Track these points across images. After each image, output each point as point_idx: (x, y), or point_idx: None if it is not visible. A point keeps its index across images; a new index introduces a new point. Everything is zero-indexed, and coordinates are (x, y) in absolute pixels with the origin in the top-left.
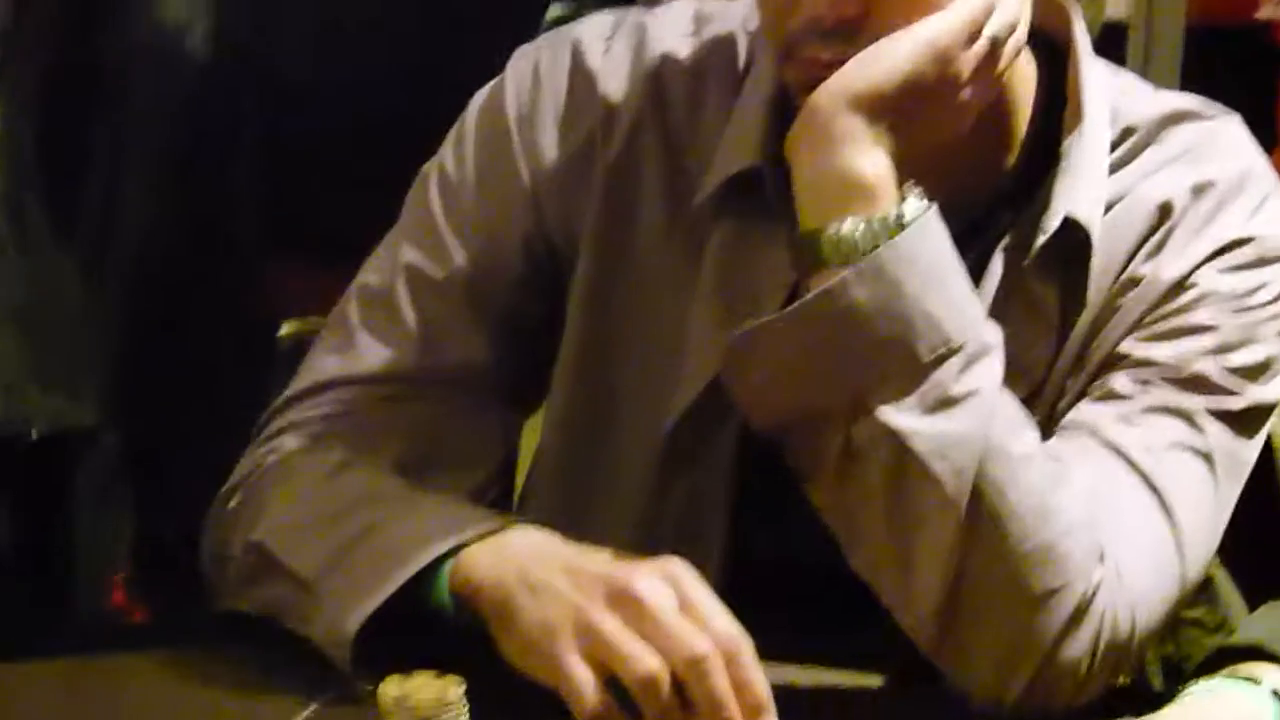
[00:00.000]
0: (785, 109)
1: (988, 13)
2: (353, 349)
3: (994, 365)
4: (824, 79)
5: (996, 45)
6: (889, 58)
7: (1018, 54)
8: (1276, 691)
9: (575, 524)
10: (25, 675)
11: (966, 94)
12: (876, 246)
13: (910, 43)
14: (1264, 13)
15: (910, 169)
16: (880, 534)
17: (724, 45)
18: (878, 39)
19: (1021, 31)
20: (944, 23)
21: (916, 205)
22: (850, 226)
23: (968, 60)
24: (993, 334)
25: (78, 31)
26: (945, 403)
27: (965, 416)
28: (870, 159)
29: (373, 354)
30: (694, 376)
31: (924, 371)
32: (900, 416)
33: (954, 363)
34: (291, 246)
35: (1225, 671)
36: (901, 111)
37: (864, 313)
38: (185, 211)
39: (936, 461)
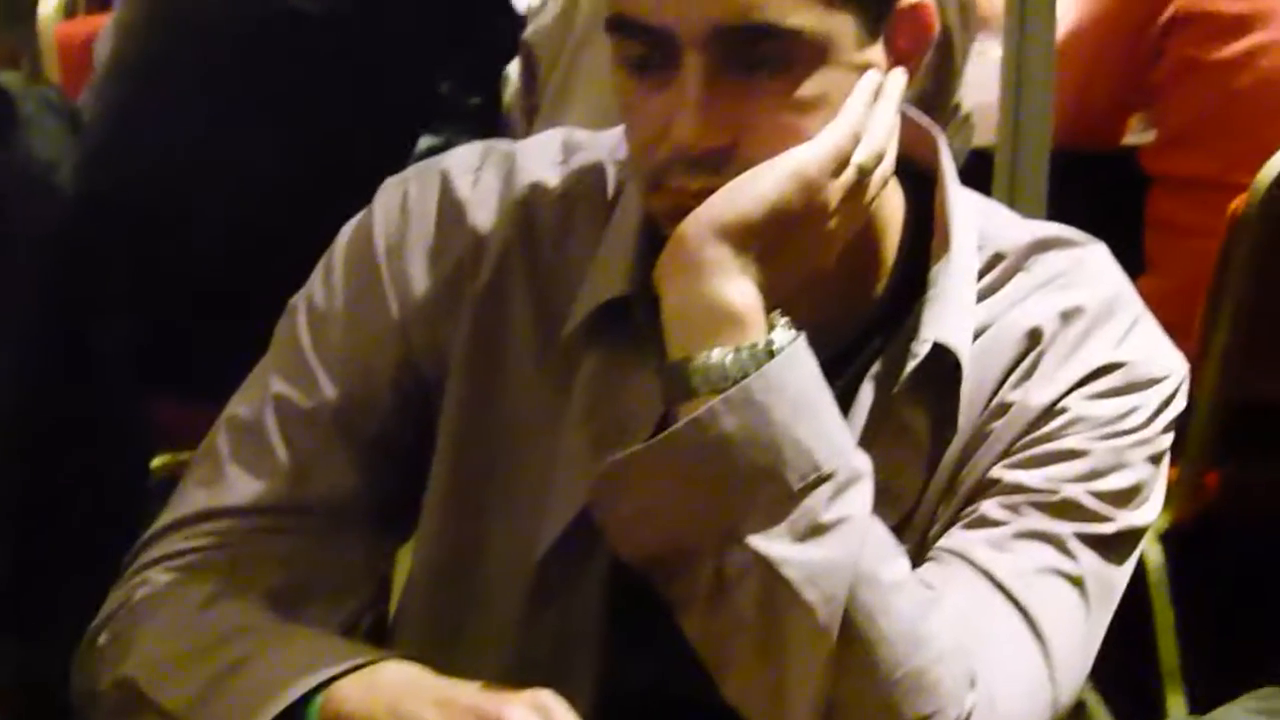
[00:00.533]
0: (654, 238)
1: (854, 142)
2: (222, 481)
3: (864, 492)
4: (691, 208)
5: (864, 174)
6: (756, 187)
7: (885, 183)
8: None
9: (446, 654)
10: None
11: (834, 223)
12: (745, 375)
13: (777, 172)
14: (1131, 138)
15: (779, 297)
16: (752, 663)
17: (593, 173)
18: (746, 169)
19: (889, 161)
20: (811, 152)
21: (785, 334)
22: (719, 356)
23: (835, 190)
24: (862, 461)
25: None
26: (816, 530)
27: (836, 544)
28: (738, 288)
29: (243, 486)
30: (563, 508)
31: (794, 499)
32: (771, 545)
33: (824, 490)
34: (161, 381)
35: None
36: (769, 241)
37: (733, 441)
38: (51, 351)
39: (808, 589)
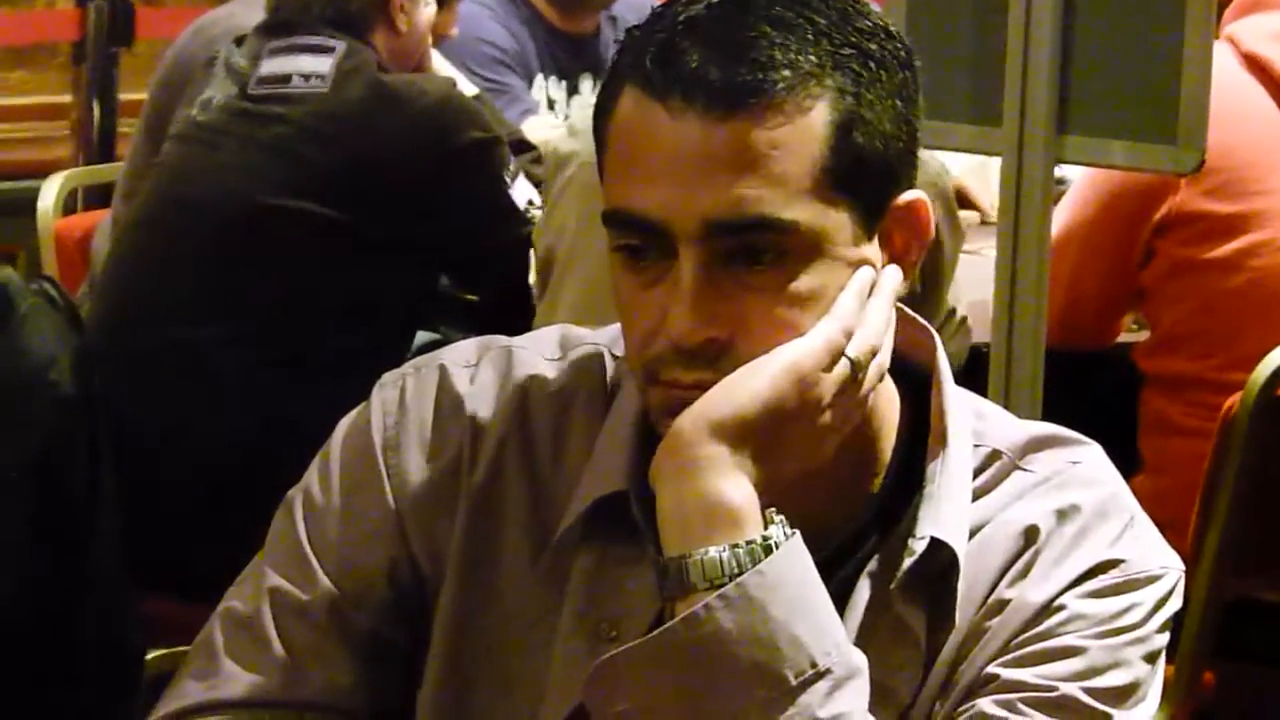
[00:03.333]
0: (650, 433)
1: (848, 336)
2: (218, 675)
3: (861, 689)
4: (687, 402)
5: (858, 368)
6: (750, 383)
7: (881, 378)
8: None
9: None
10: None
11: (829, 418)
12: (742, 572)
13: (771, 368)
14: (1122, 338)
15: (776, 492)
16: None
17: (591, 368)
18: (742, 363)
19: (884, 356)
20: (803, 346)
21: (781, 531)
22: (715, 553)
23: (829, 384)
24: (859, 658)
25: None
26: None
27: None
28: (734, 485)
29: (238, 680)
30: (557, 705)
31: (791, 695)
32: None
33: (821, 687)
34: (156, 577)
35: None
36: (765, 437)
37: (730, 638)
38: (48, 547)
39: None
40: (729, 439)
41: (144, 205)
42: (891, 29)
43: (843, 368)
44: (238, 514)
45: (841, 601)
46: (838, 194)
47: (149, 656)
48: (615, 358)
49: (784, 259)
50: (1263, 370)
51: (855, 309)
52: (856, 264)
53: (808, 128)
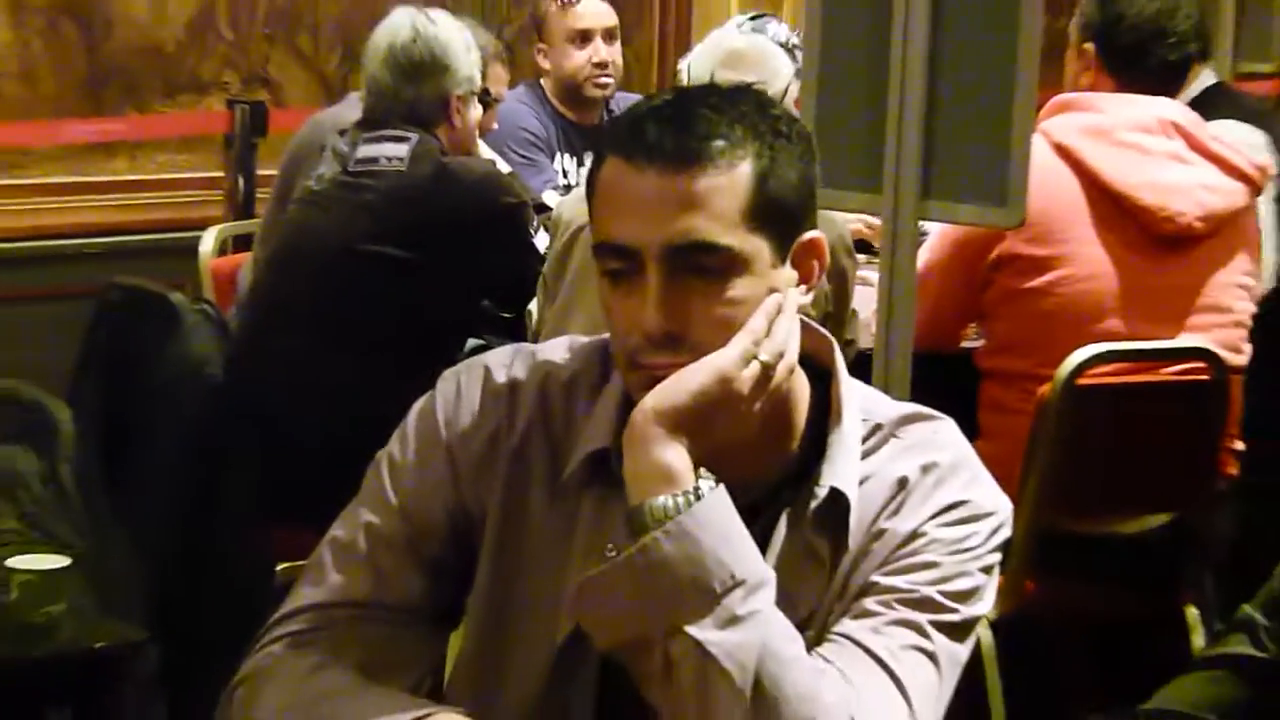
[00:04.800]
0: (630, 405)
1: (758, 343)
2: (325, 583)
3: (769, 593)
4: (656, 379)
5: (767, 369)
6: (685, 383)
7: (790, 374)
8: None
9: (484, 711)
10: None
11: (746, 406)
12: (679, 513)
13: (701, 371)
14: (966, 343)
15: (714, 459)
16: (692, 716)
17: (591, 360)
18: (695, 349)
19: (790, 358)
20: (726, 355)
21: (708, 484)
22: (660, 501)
23: (744, 381)
24: (768, 572)
25: (127, 360)
26: (733, 621)
27: (748, 630)
28: (674, 454)
29: (339, 587)
30: (570, 609)
31: (718, 599)
32: (701, 633)
33: (738, 593)
34: (285, 514)
35: None
36: (696, 420)
37: (672, 561)
38: (206, 490)
39: (728, 662)
40: (668, 423)
41: (274, 250)
42: (794, 116)
43: (754, 369)
44: (340, 469)
45: (767, 534)
46: (758, 227)
47: (278, 569)
48: (606, 354)
49: (721, 273)
50: (1065, 367)
51: (764, 325)
52: (775, 281)
53: (736, 179)
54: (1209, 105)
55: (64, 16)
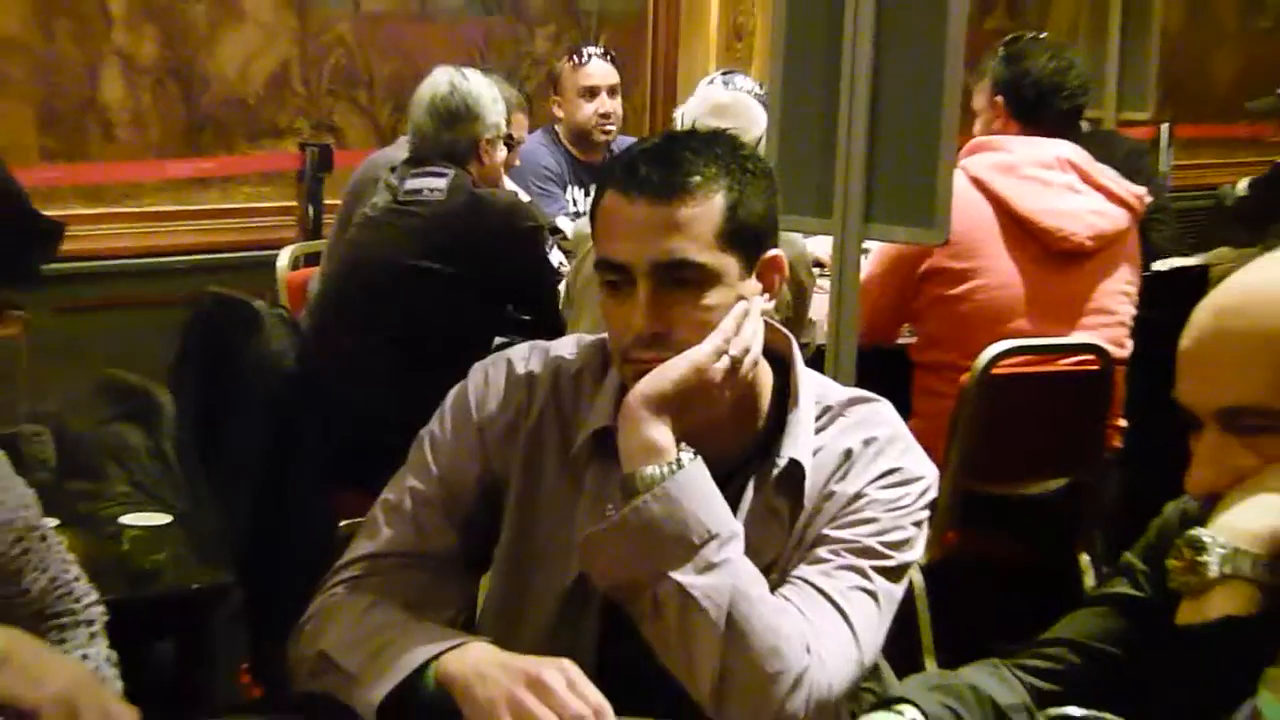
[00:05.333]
0: (625, 391)
1: (728, 341)
2: (377, 537)
3: (739, 544)
4: (644, 371)
5: (736, 362)
6: (668, 374)
7: (755, 365)
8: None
9: (507, 640)
10: None
11: (717, 392)
12: (664, 480)
13: (681, 363)
14: (900, 340)
15: (693, 435)
16: (677, 646)
17: (594, 354)
18: (677, 345)
19: (755, 352)
20: (702, 350)
21: (688, 456)
22: (649, 470)
23: (716, 372)
24: (738, 527)
25: (218, 355)
26: (709, 567)
27: (722, 574)
28: (659, 431)
29: (389, 540)
30: (576, 560)
31: (696, 549)
32: (683, 577)
33: (713, 544)
34: (346, 479)
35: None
36: (677, 403)
37: (658, 519)
38: (281, 460)
39: (705, 601)
40: (654, 406)
41: (337, 265)
42: (760, 156)
43: (725, 361)
44: (390, 443)
45: (737, 496)
46: (729, 247)
47: (339, 525)
48: (606, 350)
49: (698, 285)
50: (982, 359)
51: (734, 326)
52: (743, 291)
53: (711, 208)
54: (1096, 144)
55: (168, 75)
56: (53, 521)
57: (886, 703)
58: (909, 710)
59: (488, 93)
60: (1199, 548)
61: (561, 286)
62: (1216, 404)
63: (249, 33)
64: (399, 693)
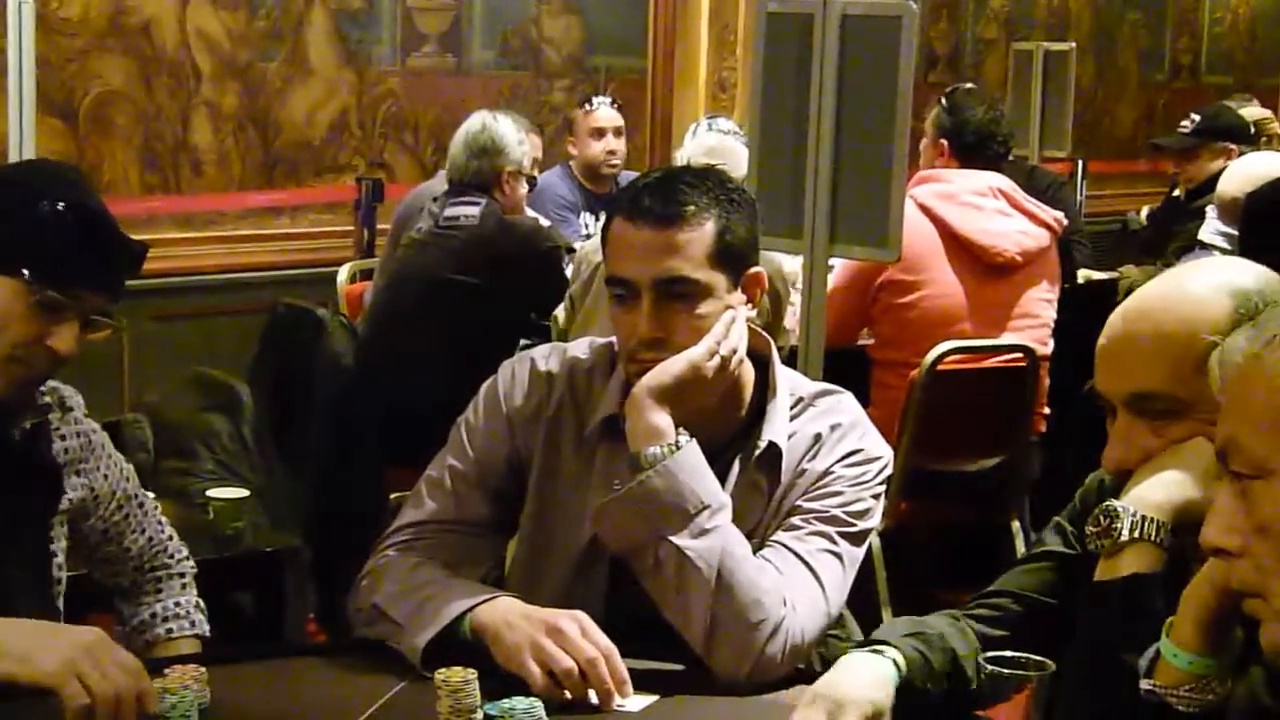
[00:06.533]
0: (629, 386)
1: (719, 343)
2: (422, 508)
3: (727, 513)
4: (646, 369)
5: (725, 360)
6: (667, 370)
7: (740, 364)
8: (895, 660)
9: (530, 594)
10: (261, 667)
11: (709, 385)
12: (664, 459)
13: (678, 362)
14: (860, 341)
15: (689, 421)
16: (674, 599)
17: (604, 354)
18: (674, 348)
19: (741, 352)
20: (696, 350)
21: (685, 438)
22: (652, 449)
23: (709, 368)
24: (726, 499)
25: (289, 354)
26: (703, 533)
27: (713, 538)
28: (660, 417)
29: (431, 511)
30: (589, 526)
31: (691, 517)
32: (680, 540)
33: (706, 513)
34: (397, 458)
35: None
36: (675, 394)
37: (659, 491)
38: (342, 443)
39: (699, 561)
40: (657, 396)
41: (388, 279)
42: (743, 188)
43: (716, 360)
44: (433, 428)
45: (725, 473)
46: (718, 265)
47: (391, 497)
48: (613, 351)
49: (693, 298)
50: (929, 357)
51: (723, 331)
52: (729, 302)
53: (703, 233)
54: (1024, 177)
55: (247, 122)
56: (150, 494)
57: (867, 644)
58: (889, 651)
59: (513, 134)
60: (1112, 515)
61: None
62: (1127, 390)
63: (314, 86)
64: (440, 638)
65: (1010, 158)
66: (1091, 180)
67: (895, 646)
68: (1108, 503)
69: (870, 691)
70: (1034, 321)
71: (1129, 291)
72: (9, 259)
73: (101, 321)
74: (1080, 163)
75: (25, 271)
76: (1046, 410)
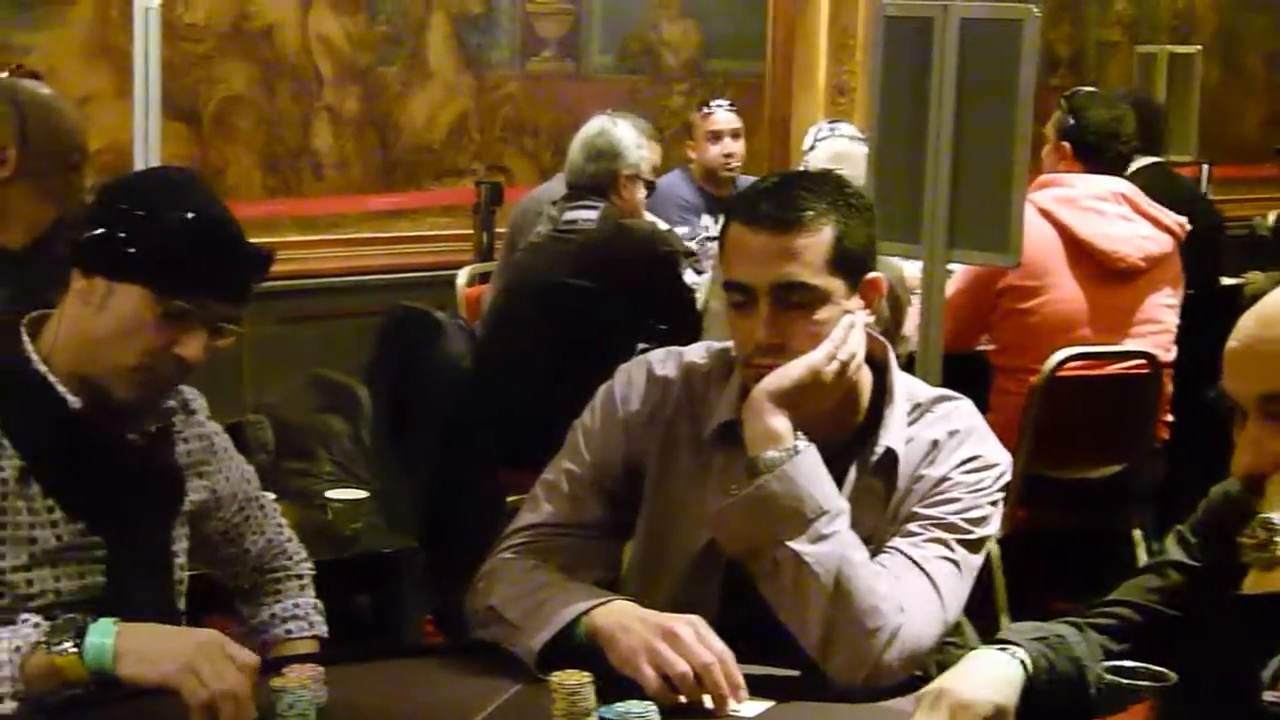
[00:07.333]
0: (746, 391)
1: (838, 348)
2: (538, 510)
3: (845, 518)
4: (763, 375)
5: (844, 365)
6: (789, 374)
7: (858, 369)
8: (1022, 660)
9: (646, 598)
10: (378, 668)
11: (827, 389)
12: (783, 463)
13: (799, 366)
14: (979, 346)
15: (807, 426)
16: (791, 603)
17: (721, 358)
18: (792, 353)
19: (859, 357)
20: (816, 355)
21: (804, 443)
22: (770, 453)
23: (828, 373)
24: (844, 504)
25: (407, 357)
26: (821, 538)
27: (832, 544)
28: (779, 421)
29: (547, 514)
30: (706, 529)
31: (809, 523)
32: (798, 545)
33: (825, 518)
34: (514, 461)
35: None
36: (794, 398)
37: (777, 496)
38: (459, 445)
39: (817, 567)
40: (776, 401)
41: (506, 283)
42: (862, 193)
43: (835, 364)
44: (550, 432)
45: (842, 478)
46: (836, 271)
47: (508, 500)
48: (729, 356)
49: (811, 303)
50: (1049, 364)
51: (842, 336)
52: (847, 307)
53: (821, 239)
54: (1164, 181)
55: (367, 126)
56: (271, 495)
57: (994, 643)
58: (1017, 651)
59: (631, 137)
60: (1273, 529)
61: (700, 300)
62: (1258, 392)
63: (434, 90)
64: (555, 641)
65: (1154, 160)
66: (1216, 185)
67: (1022, 647)
68: (1267, 515)
69: (995, 692)
70: (1156, 327)
71: (1255, 297)
72: (137, 269)
73: (228, 329)
74: (1206, 167)
75: (154, 282)
76: (1170, 418)
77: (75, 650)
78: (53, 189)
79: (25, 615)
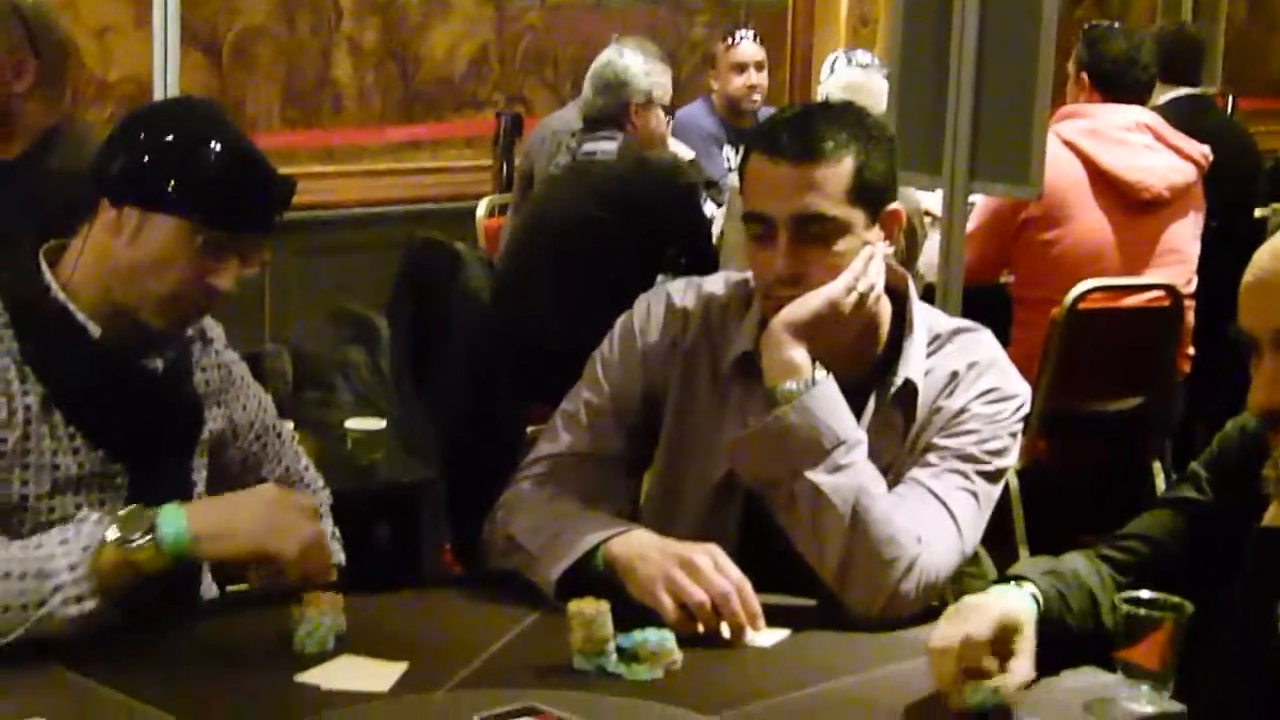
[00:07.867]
0: (765, 321)
1: (857, 279)
2: (557, 441)
3: (863, 449)
4: (782, 305)
5: (863, 296)
6: (806, 305)
7: (877, 300)
8: (1034, 595)
9: (664, 528)
10: (397, 597)
11: (847, 320)
12: (801, 394)
13: (818, 297)
14: (1002, 279)
15: (825, 357)
16: (809, 533)
17: (740, 289)
18: (810, 287)
19: (879, 288)
20: (835, 285)
21: (821, 373)
22: (788, 384)
23: (847, 304)
24: (861, 435)
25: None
26: (838, 469)
27: (849, 475)
28: (797, 352)
29: (566, 444)
30: (725, 460)
31: (827, 453)
32: (816, 476)
33: (842, 449)
34: (533, 394)
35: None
36: (813, 329)
37: (795, 426)
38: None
39: (835, 497)
40: (794, 332)
41: (524, 216)
42: (882, 124)
43: (854, 296)
44: (569, 362)
45: (860, 409)
46: (856, 202)
47: (527, 430)
48: (749, 286)
49: (830, 234)
50: (1070, 296)
51: (861, 267)
52: (867, 238)
53: (841, 169)
54: (1199, 111)
55: (388, 57)
56: (289, 424)
57: (1008, 579)
58: (1028, 585)
59: (639, 64)
60: None
61: (715, 232)
62: (1273, 326)
63: (454, 21)
64: (573, 570)
65: (1189, 91)
66: (1241, 117)
67: (1033, 581)
68: None
69: (1011, 608)
70: (1179, 257)
71: (1275, 229)
72: (175, 201)
73: (256, 257)
74: (1231, 98)
75: (193, 214)
76: (1191, 351)
77: (150, 542)
78: (57, 98)
79: (82, 514)
